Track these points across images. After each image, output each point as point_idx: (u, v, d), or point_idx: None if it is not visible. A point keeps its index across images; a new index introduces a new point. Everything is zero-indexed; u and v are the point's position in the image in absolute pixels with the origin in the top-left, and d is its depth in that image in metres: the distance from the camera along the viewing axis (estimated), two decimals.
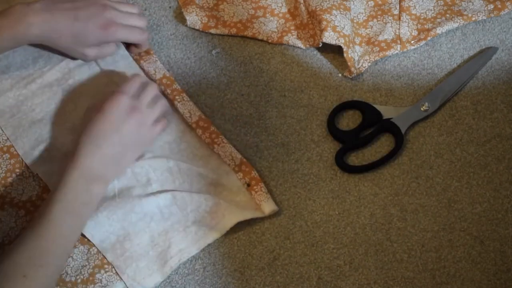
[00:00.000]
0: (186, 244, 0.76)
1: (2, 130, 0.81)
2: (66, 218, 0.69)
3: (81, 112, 0.81)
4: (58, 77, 0.84)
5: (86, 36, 0.79)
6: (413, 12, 0.88)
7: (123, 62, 0.86)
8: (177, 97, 0.83)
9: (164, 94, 0.83)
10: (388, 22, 0.88)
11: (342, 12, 0.85)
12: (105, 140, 0.73)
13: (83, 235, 0.75)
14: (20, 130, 0.80)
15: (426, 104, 0.82)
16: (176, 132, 0.82)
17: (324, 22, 0.84)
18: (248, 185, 0.78)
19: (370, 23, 0.88)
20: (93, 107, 0.76)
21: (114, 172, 0.75)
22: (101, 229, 0.75)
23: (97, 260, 0.74)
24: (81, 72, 0.84)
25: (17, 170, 0.79)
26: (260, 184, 0.78)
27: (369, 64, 0.85)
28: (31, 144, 0.80)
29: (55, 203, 0.69)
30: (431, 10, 0.89)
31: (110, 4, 0.80)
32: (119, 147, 0.74)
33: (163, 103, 0.80)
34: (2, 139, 0.80)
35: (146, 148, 0.80)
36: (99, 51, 0.82)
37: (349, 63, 0.84)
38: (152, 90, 0.78)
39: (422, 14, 0.88)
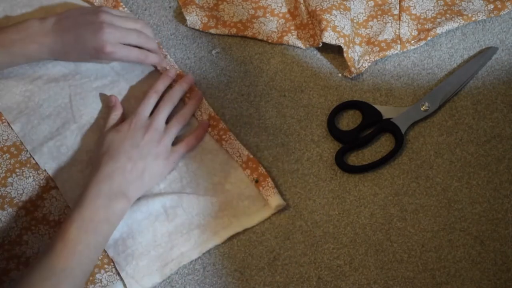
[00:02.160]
0: (188, 248, 0.76)
1: (4, 128, 0.81)
2: (83, 237, 0.68)
3: (90, 107, 0.82)
4: (64, 73, 0.84)
5: (87, 55, 0.81)
6: (413, 12, 0.88)
7: None
8: (187, 94, 0.83)
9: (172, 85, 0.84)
10: (388, 22, 0.88)
11: (342, 12, 0.85)
12: (125, 156, 0.73)
13: None
14: (29, 127, 0.81)
15: (426, 104, 0.82)
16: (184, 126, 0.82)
17: (324, 22, 0.84)
18: (256, 181, 0.78)
19: (370, 23, 0.88)
20: (109, 129, 0.78)
21: (138, 188, 0.75)
22: None
23: (97, 260, 0.74)
24: (88, 68, 0.84)
25: (17, 170, 0.79)
26: (267, 179, 0.78)
27: (369, 64, 0.85)
28: (40, 140, 0.80)
29: (71, 222, 0.68)
30: (431, 10, 0.89)
31: (108, 21, 0.80)
32: (141, 162, 0.74)
33: (180, 121, 0.80)
34: (2, 139, 0.80)
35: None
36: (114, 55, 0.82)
37: (349, 63, 0.84)
38: (170, 103, 0.80)
39: (422, 14, 0.88)
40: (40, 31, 0.79)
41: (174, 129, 0.79)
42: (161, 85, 0.82)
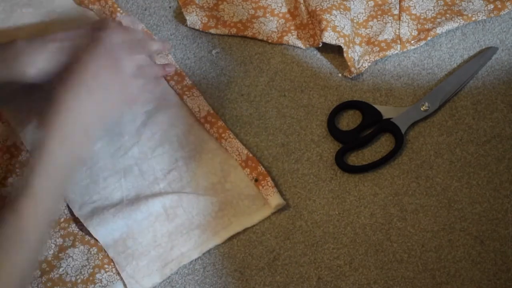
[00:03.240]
0: (188, 248, 0.76)
1: (4, 128, 0.81)
2: (45, 184, 0.65)
3: None
4: None
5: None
6: (413, 12, 0.88)
7: None
8: (186, 92, 0.83)
9: (173, 90, 0.84)
10: (388, 22, 0.88)
11: (342, 12, 0.85)
12: (85, 87, 0.69)
13: (84, 232, 0.75)
14: (29, 126, 0.81)
15: (426, 104, 0.82)
16: (185, 126, 0.82)
17: (324, 22, 0.84)
18: (256, 180, 0.78)
19: (370, 23, 0.88)
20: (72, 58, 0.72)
21: (98, 121, 0.71)
22: (105, 225, 0.75)
23: (97, 260, 0.75)
24: None
25: (17, 170, 0.79)
26: (267, 178, 0.78)
27: (369, 64, 0.85)
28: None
29: (32, 171, 0.65)
30: (431, 10, 0.89)
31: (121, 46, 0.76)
32: (100, 93, 0.70)
33: (142, 56, 0.76)
34: (2, 139, 0.81)
35: (155, 144, 0.80)
36: None
37: (349, 63, 0.84)
38: (128, 35, 0.75)
39: (422, 14, 0.88)
40: (25, 51, 0.72)
41: (136, 59, 0.75)
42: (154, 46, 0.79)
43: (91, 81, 0.70)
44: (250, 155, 0.80)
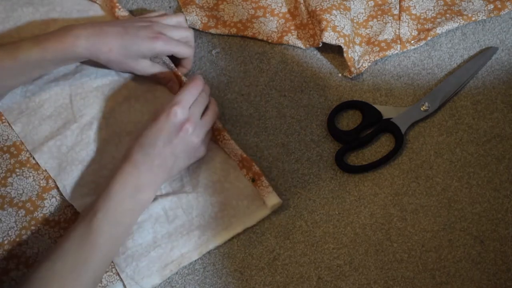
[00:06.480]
0: (188, 249, 0.76)
1: (4, 128, 0.81)
2: (106, 229, 0.68)
3: (90, 107, 0.82)
4: (65, 73, 0.84)
5: (137, 47, 0.78)
6: (413, 12, 0.88)
7: None
8: None
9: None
10: (388, 22, 0.88)
11: (342, 12, 0.85)
12: (156, 151, 0.72)
13: None
14: (30, 127, 0.81)
15: (426, 104, 0.82)
16: None
17: (324, 22, 0.84)
18: (253, 180, 0.78)
19: (370, 23, 0.88)
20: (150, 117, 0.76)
21: (164, 179, 0.74)
22: None
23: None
24: (88, 67, 0.84)
25: (17, 170, 0.79)
26: (262, 178, 0.78)
27: (369, 64, 0.85)
28: (41, 140, 0.80)
29: (95, 212, 0.68)
30: (431, 10, 0.89)
31: (157, 20, 0.82)
32: (170, 159, 0.73)
33: (213, 113, 0.79)
34: (2, 139, 0.81)
35: None
36: (150, 67, 0.82)
37: (349, 63, 0.84)
38: (204, 100, 0.78)
39: (422, 14, 0.88)
40: (77, 26, 0.77)
41: (209, 124, 0.78)
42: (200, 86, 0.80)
43: (163, 144, 0.73)
44: (244, 155, 0.79)
